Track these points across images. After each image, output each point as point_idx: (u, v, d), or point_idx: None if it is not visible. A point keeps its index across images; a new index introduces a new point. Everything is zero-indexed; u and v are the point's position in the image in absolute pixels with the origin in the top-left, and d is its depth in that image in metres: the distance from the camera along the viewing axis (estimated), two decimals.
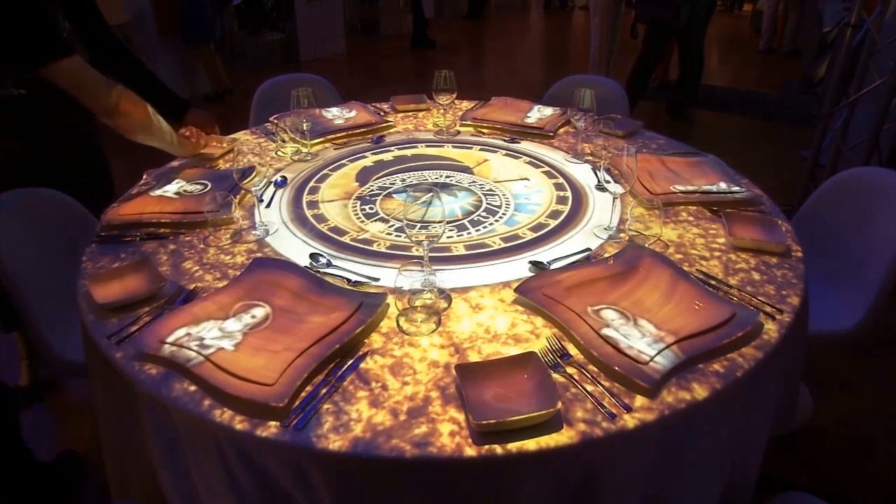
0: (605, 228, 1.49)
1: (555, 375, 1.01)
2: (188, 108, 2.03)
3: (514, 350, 1.07)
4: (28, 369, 2.22)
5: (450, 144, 2.03)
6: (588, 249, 1.40)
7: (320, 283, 1.27)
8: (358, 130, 2.12)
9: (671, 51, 5.47)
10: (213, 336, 1.10)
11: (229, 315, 1.16)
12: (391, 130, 2.16)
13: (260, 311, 1.18)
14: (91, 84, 1.56)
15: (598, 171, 1.75)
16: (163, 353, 1.05)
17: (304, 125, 1.88)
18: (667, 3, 4.47)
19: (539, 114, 2.23)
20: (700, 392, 0.98)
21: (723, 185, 1.66)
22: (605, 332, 1.09)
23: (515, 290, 1.22)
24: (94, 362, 1.18)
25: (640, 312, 1.17)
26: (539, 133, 2.08)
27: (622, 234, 1.45)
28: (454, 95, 2.05)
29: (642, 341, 1.07)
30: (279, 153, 1.97)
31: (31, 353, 2.20)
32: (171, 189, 1.69)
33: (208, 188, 1.69)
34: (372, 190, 1.72)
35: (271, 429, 0.92)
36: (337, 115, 2.23)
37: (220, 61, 5.60)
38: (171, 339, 1.08)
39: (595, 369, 1.04)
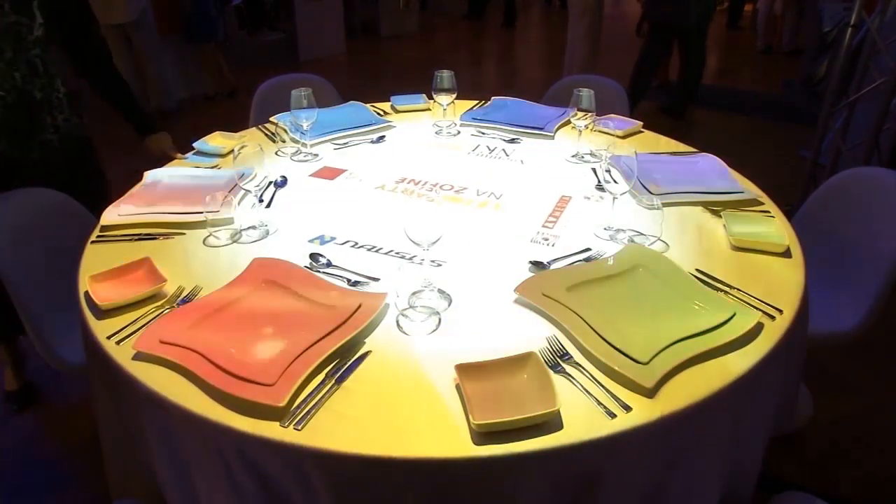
0: (605, 228, 1.49)
1: (555, 375, 1.01)
2: (154, 130, 2.06)
3: (514, 350, 1.07)
4: (14, 373, 2.20)
5: (450, 146, 2.03)
6: (588, 249, 1.40)
7: (320, 283, 1.27)
8: (358, 130, 2.12)
9: (671, 51, 5.46)
10: (213, 336, 1.10)
11: (229, 315, 1.16)
12: (391, 130, 2.16)
13: (260, 312, 1.18)
14: None
15: (598, 171, 1.76)
16: (163, 353, 1.05)
17: (305, 125, 1.88)
18: (678, 2, 4.45)
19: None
20: (700, 392, 0.98)
21: (723, 185, 1.66)
22: (605, 331, 1.09)
23: (515, 290, 1.22)
24: (94, 362, 1.18)
25: (639, 312, 1.17)
26: (539, 133, 2.08)
27: (622, 234, 1.45)
28: (454, 95, 2.05)
29: (642, 341, 1.07)
30: (279, 153, 1.97)
31: (15, 357, 2.19)
32: (169, 179, 1.73)
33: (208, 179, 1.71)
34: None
35: (271, 429, 0.92)
36: (336, 115, 2.23)
37: (223, 61, 5.60)
38: (171, 339, 1.08)
39: (595, 369, 1.04)
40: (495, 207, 1.61)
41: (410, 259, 1.36)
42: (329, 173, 1.83)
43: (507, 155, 1.94)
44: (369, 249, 1.41)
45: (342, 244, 1.44)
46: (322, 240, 1.46)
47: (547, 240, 1.44)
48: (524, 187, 1.73)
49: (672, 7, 4.51)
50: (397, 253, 1.39)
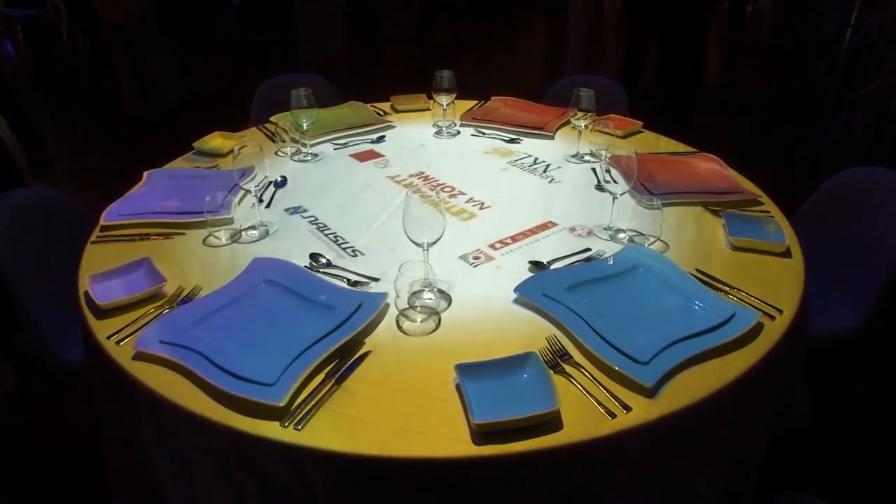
0: (605, 228, 1.49)
1: (555, 375, 1.01)
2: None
3: (514, 350, 1.07)
4: (14, 374, 2.19)
5: (450, 147, 2.03)
6: (588, 249, 1.40)
7: (320, 282, 1.27)
8: (358, 130, 2.11)
9: (655, 49, 5.41)
10: (213, 336, 1.10)
11: (229, 315, 1.16)
12: (391, 130, 2.16)
13: (260, 312, 1.18)
14: None
15: (597, 171, 1.75)
16: (163, 353, 1.05)
17: (305, 125, 1.88)
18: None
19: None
20: (699, 392, 0.98)
21: (722, 185, 1.66)
22: (605, 331, 1.09)
23: (515, 290, 1.22)
24: (94, 362, 1.18)
25: (639, 312, 1.17)
26: (539, 133, 2.08)
27: (622, 234, 1.45)
28: (454, 95, 2.05)
29: (642, 341, 1.07)
30: (279, 153, 1.97)
31: (15, 357, 2.18)
32: (169, 179, 1.73)
33: (208, 179, 1.71)
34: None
35: (271, 429, 0.92)
36: (336, 115, 2.23)
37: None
38: (171, 338, 1.08)
39: (595, 369, 1.04)
40: (466, 218, 1.55)
41: (346, 249, 1.41)
42: (366, 156, 1.95)
43: (544, 172, 1.81)
44: (320, 229, 1.50)
45: (305, 217, 1.56)
46: (295, 210, 1.60)
47: (478, 259, 1.37)
48: (521, 202, 1.64)
49: (649, 4, 4.44)
50: (342, 241, 1.44)
